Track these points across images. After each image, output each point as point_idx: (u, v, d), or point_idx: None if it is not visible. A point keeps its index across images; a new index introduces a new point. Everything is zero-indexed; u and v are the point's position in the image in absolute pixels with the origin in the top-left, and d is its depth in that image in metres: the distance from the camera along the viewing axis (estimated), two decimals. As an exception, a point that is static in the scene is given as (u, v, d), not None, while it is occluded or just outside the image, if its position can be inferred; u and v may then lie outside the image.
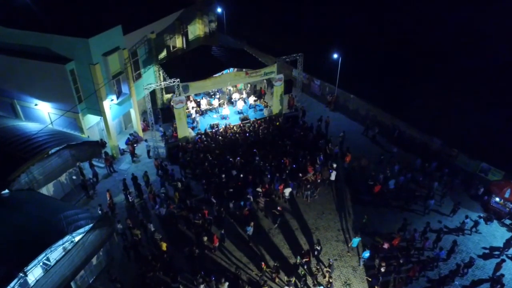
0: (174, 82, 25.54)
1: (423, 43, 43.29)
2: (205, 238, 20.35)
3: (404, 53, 41.25)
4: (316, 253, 20.19)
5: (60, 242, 16.47)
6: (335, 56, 31.98)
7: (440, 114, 30.86)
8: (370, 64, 38.82)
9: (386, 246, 20.10)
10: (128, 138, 28.75)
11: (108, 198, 22.98)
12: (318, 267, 19.46)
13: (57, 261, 16.02)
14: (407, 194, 23.58)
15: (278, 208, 21.80)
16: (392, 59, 40.01)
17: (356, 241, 20.29)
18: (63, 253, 16.72)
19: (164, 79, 27.57)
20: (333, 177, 24.75)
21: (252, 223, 20.72)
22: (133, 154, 27.33)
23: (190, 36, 34.68)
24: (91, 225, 17.74)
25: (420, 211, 23.32)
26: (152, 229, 20.98)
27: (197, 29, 35.20)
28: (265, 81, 35.61)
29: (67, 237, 16.74)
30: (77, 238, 17.29)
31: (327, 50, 35.46)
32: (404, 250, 20.15)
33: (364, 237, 20.98)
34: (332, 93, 33.63)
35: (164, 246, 20.15)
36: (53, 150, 22.14)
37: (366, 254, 19.57)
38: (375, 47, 42.34)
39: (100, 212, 21.31)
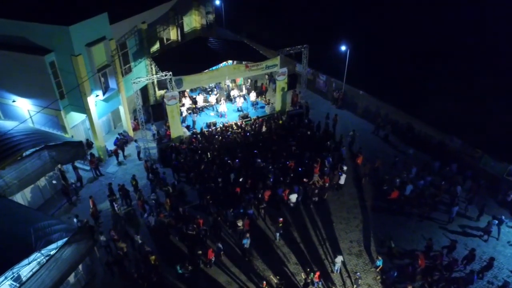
0: (166, 75, 23.00)
1: (441, 34, 40.14)
2: (200, 252, 17.77)
3: (419, 45, 38.31)
4: (337, 268, 17.78)
5: (26, 261, 13.94)
6: (343, 48, 29.41)
7: (460, 112, 28.06)
8: (381, 57, 35.99)
9: (410, 269, 17.53)
10: (117, 138, 26.24)
11: (91, 206, 20.43)
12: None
13: (22, 284, 13.47)
14: (428, 201, 20.97)
15: (280, 219, 19.20)
16: (405, 51, 37.14)
17: (380, 261, 17.68)
18: (31, 272, 14.20)
19: (156, 73, 25.06)
20: (342, 181, 22.22)
21: (248, 235, 18.16)
22: (117, 155, 24.77)
23: (186, 28, 32.17)
24: (65, 239, 15.23)
25: (440, 220, 20.77)
26: (140, 241, 18.44)
27: (193, 20, 32.69)
28: (266, 76, 33.27)
29: (35, 255, 14.23)
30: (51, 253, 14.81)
31: (333, 42, 32.89)
32: (431, 274, 17.49)
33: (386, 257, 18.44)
34: (339, 89, 31.10)
35: (153, 260, 17.61)
36: (28, 152, 19.72)
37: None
38: (386, 38, 39.37)
39: (77, 223, 18.78)
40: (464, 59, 35.30)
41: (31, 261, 14.30)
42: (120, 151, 25.25)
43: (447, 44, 38.47)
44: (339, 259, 17.39)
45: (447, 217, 20.63)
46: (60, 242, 15.01)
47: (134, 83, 22.70)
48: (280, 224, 19.08)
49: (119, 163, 24.86)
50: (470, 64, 34.26)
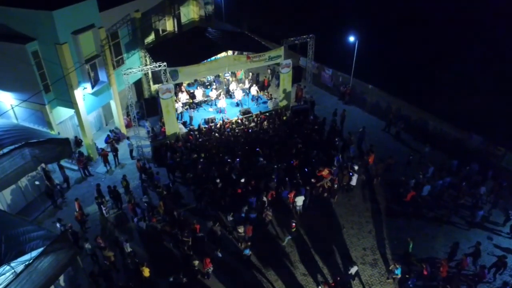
0: (160, 66, 21.08)
1: (458, 22, 37.77)
2: (196, 262, 15.82)
3: (434, 35, 36.04)
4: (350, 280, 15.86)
5: (-8, 275, 12.04)
6: (351, 39, 27.44)
7: (480, 106, 25.99)
8: (391, 49, 33.86)
9: (425, 272, 15.60)
10: (108, 135, 24.36)
11: (77, 209, 18.49)
12: None
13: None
14: (449, 203, 19.08)
15: (292, 224, 17.20)
16: (418, 41, 34.94)
17: (399, 271, 15.68)
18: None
19: (150, 65, 23.13)
20: (354, 182, 20.28)
21: (249, 243, 16.23)
22: (106, 159, 22.19)
23: (183, 19, 30.33)
24: (41, 249, 13.31)
25: (462, 224, 18.85)
26: (129, 249, 16.50)
27: (190, 11, 30.83)
28: (269, 71, 31.46)
29: (3, 267, 12.31)
30: (21, 267, 12.89)
31: (340, 32, 30.89)
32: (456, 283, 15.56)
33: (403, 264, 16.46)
34: (346, 83, 29.18)
35: (146, 271, 15.66)
36: (5, 150, 17.77)
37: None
38: (397, 28, 37.07)
39: (61, 228, 16.86)
40: (484, 49, 33.19)
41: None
42: (111, 154, 22.57)
43: (465, 34, 36.18)
44: (353, 269, 15.42)
45: (470, 222, 18.70)
46: (34, 252, 13.08)
47: (124, 74, 20.76)
48: (293, 229, 17.10)
49: (109, 171, 22.34)
50: (489, 54, 32.19)
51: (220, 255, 16.28)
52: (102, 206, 18.68)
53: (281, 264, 16.95)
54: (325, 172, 19.43)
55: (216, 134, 22.76)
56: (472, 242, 17.60)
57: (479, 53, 33.04)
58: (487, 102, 26.16)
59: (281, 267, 16.80)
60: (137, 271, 15.70)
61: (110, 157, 22.50)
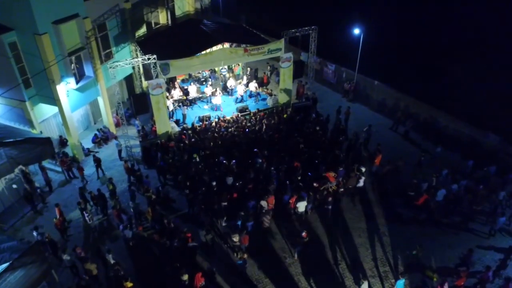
0: (149, 59, 19.40)
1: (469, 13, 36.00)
2: (185, 276, 14.10)
3: (443, 27, 34.18)
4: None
5: None
6: (356, 31, 25.72)
7: (496, 103, 24.22)
8: (399, 42, 32.10)
9: (446, 287, 13.93)
10: (96, 134, 22.78)
11: (58, 216, 16.81)
12: None
13: None
14: (464, 208, 17.44)
15: (303, 234, 15.47)
16: (428, 33, 33.09)
17: (401, 284, 13.97)
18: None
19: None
20: (361, 184, 18.58)
21: (245, 255, 14.54)
22: (82, 173, 19.93)
23: (177, 12, 28.63)
24: (6, 264, 11.65)
25: (481, 232, 17.18)
26: (112, 261, 14.82)
27: (185, 3, 29.14)
28: (268, 67, 29.81)
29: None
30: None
31: (344, 25, 29.14)
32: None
33: (412, 275, 14.79)
34: (350, 79, 27.49)
35: (128, 286, 13.99)
36: (-24, 150, 16.13)
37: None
38: (405, 19, 35.25)
39: (38, 237, 15.21)
40: (501, 41, 31.28)
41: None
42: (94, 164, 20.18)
43: (480, 23, 34.22)
44: (365, 285, 13.72)
45: (490, 229, 17.02)
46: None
47: (110, 68, 19.06)
48: (306, 239, 15.37)
49: (84, 185, 19.57)
50: (508, 47, 30.33)
51: (213, 268, 14.57)
52: (84, 212, 16.98)
53: (281, 276, 15.25)
54: (331, 174, 17.79)
55: (215, 134, 21.06)
56: (491, 252, 16.04)
57: (495, 45, 31.26)
58: (504, 97, 24.39)
59: (282, 280, 15.11)
60: (119, 287, 14.00)
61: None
